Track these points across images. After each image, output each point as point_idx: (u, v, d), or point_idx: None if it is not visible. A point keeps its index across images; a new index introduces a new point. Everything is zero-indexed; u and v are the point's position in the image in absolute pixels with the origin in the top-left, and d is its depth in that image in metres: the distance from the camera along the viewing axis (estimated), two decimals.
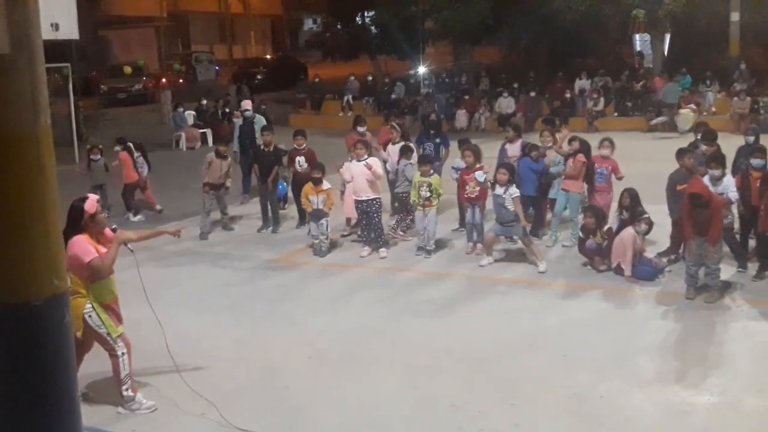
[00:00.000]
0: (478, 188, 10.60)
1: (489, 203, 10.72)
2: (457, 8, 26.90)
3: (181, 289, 9.77)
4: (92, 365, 6.67)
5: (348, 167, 11.08)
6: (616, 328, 8.11)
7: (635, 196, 9.74)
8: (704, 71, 24.54)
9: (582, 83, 25.60)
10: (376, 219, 10.95)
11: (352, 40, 33.61)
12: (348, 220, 12.02)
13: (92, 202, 6.26)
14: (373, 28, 34.26)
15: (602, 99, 23.92)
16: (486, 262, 10.35)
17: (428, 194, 10.56)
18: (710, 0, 24.30)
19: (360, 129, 13.16)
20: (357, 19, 34.77)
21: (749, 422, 6.08)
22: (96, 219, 6.25)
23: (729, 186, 9.31)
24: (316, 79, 31.48)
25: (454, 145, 12.57)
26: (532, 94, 24.74)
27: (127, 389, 6.47)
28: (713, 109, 23.04)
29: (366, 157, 10.95)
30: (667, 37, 26.97)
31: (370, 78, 30.23)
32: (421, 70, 29.61)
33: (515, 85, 26.08)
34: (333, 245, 11.38)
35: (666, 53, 27.03)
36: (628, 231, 9.47)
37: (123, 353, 6.39)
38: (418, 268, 10.41)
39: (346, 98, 28.38)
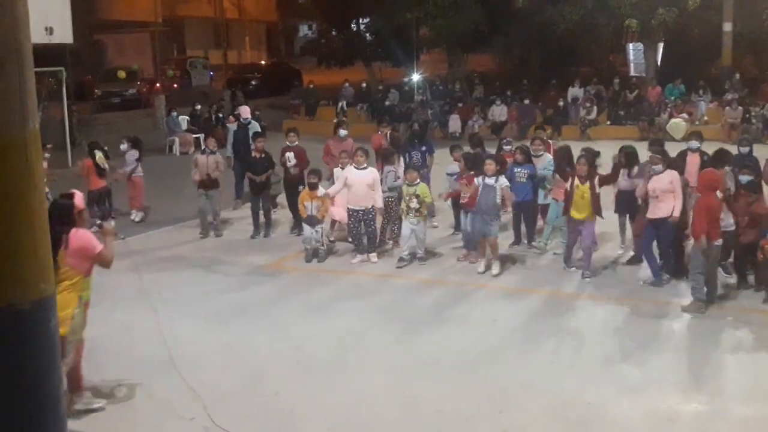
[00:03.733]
0: (467, 195, 10.60)
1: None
2: (451, 16, 27.02)
3: (171, 294, 9.75)
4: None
5: (341, 173, 11.10)
6: (603, 335, 8.14)
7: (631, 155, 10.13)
8: (697, 80, 24.67)
9: (575, 91, 25.69)
10: (372, 227, 10.96)
11: (347, 46, 33.69)
12: (332, 223, 11.96)
13: (80, 197, 6.36)
14: (367, 34, 34.37)
15: (595, 107, 24.02)
16: (483, 269, 10.37)
17: (417, 206, 10.56)
18: (703, 10, 24.43)
19: (342, 133, 13.29)
20: (352, 25, 34.87)
21: (735, 429, 6.13)
22: (82, 215, 6.36)
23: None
24: (311, 85, 31.49)
25: (440, 152, 12.62)
26: (525, 101, 24.82)
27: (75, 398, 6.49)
28: (705, 118, 23.15)
29: (365, 165, 10.95)
30: (660, 46, 27.06)
31: (364, 84, 30.28)
32: (415, 77, 29.70)
33: (508, 93, 26.17)
34: (332, 251, 11.44)
35: (659, 62, 27.15)
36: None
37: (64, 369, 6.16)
38: (409, 275, 10.43)
39: (340, 104, 28.40)
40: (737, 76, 24.57)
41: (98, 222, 6.68)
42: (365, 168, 10.88)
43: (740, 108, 21.93)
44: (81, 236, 6.21)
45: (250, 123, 15.04)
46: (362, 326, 8.51)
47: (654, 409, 6.46)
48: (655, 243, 9.56)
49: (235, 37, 51.31)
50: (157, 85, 33.02)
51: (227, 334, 8.39)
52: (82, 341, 6.48)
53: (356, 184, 10.77)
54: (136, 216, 13.78)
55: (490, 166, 10.21)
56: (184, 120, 24.13)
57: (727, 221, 8.94)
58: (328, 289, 9.96)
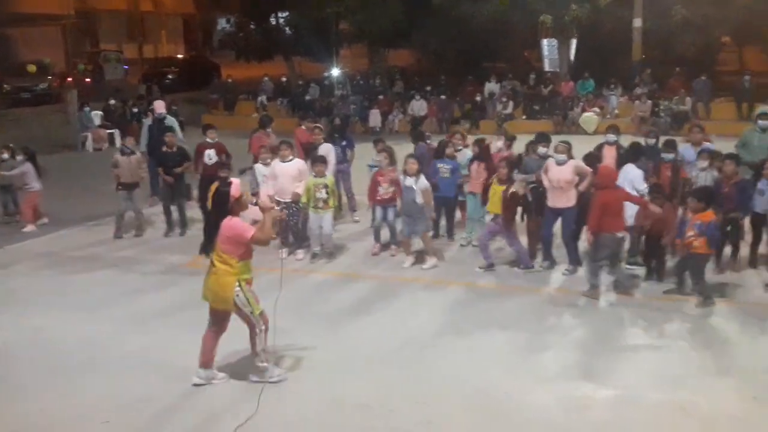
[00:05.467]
0: (392, 189, 10.68)
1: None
2: (370, 11, 27.05)
3: (87, 295, 9.50)
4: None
5: (264, 169, 11.00)
6: (523, 325, 8.33)
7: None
8: (608, 75, 25.41)
9: (491, 87, 26.13)
10: (295, 221, 10.90)
11: (266, 40, 33.35)
12: (255, 221, 11.78)
13: (236, 186, 6.65)
14: (287, 29, 34.08)
15: (511, 102, 24.49)
16: (408, 263, 10.47)
17: (325, 196, 10.55)
18: (614, 6, 25.17)
19: (268, 129, 13.27)
20: (271, 19, 34.50)
21: (648, 415, 6.35)
22: (240, 201, 6.74)
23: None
24: (229, 80, 31.09)
25: (360, 147, 12.64)
26: (443, 97, 25.12)
27: (262, 361, 6.91)
28: (616, 111, 23.89)
29: (291, 158, 10.87)
30: (574, 42, 27.74)
31: (284, 79, 30.06)
32: (336, 71, 29.66)
33: (428, 88, 26.42)
34: None
35: (572, 58, 27.83)
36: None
37: (261, 330, 6.84)
38: (328, 270, 10.43)
39: (260, 99, 28.16)
40: (647, 70, 25.40)
41: (255, 201, 7.05)
42: (291, 160, 10.83)
43: (649, 102, 22.72)
44: (233, 225, 6.60)
45: (165, 118, 14.72)
46: (282, 322, 8.38)
47: (569, 397, 6.64)
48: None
49: (150, 30, 50.15)
50: (69, 79, 32.03)
51: (147, 335, 8.22)
52: (262, 313, 6.89)
53: (282, 176, 10.73)
54: (28, 228, 12.82)
55: (412, 165, 10.30)
56: (97, 115, 23.48)
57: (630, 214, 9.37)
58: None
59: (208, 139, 12.48)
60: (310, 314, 8.75)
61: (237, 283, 6.67)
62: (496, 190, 9.89)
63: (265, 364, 6.93)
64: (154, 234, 12.48)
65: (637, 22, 25.56)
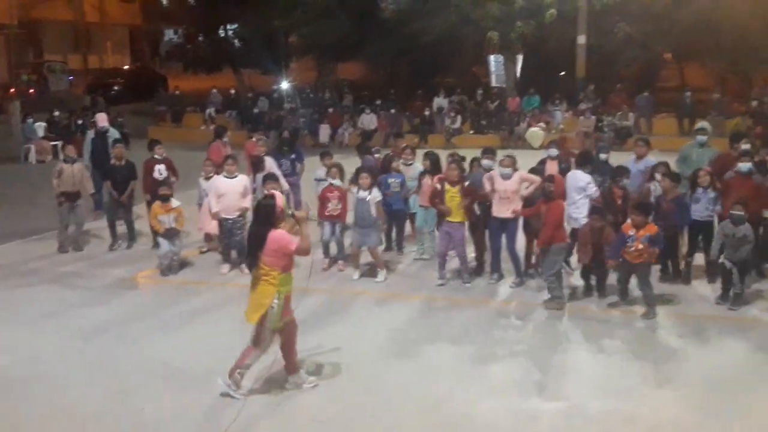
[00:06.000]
0: (340, 206, 10.69)
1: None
2: (319, 25, 27.08)
3: (29, 311, 9.28)
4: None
5: (208, 184, 10.91)
6: (473, 338, 8.40)
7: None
8: (554, 91, 25.87)
9: (440, 101, 26.37)
10: (240, 236, 10.81)
11: (215, 52, 33.14)
12: (207, 235, 11.73)
13: (280, 198, 6.85)
14: (236, 41, 33.92)
15: (459, 117, 24.74)
16: (357, 276, 10.50)
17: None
18: (559, 23, 25.63)
19: (225, 139, 13.29)
20: (220, 31, 34.31)
21: (594, 425, 6.45)
22: (283, 214, 6.84)
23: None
24: (177, 91, 30.77)
25: (310, 160, 12.64)
26: (393, 111, 25.27)
27: (240, 374, 6.89)
28: (561, 126, 24.33)
29: (236, 174, 10.78)
30: (520, 58, 28.21)
31: (233, 91, 29.89)
32: (285, 84, 29.60)
33: (377, 102, 26.54)
34: (186, 263, 11.22)
35: (518, 74, 28.26)
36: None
37: (261, 352, 6.89)
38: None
39: (208, 111, 27.93)
40: (590, 86, 25.94)
41: (291, 211, 7.11)
42: (236, 176, 10.75)
43: (593, 117, 23.20)
44: (278, 238, 6.64)
45: (108, 131, 14.41)
46: (232, 337, 8.32)
47: (518, 409, 6.72)
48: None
49: (96, 41, 49.29)
50: (12, 90, 31.32)
51: (91, 351, 8.06)
52: (294, 324, 7.01)
53: (228, 193, 10.62)
54: None
55: (365, 180, 10.33)
56: (40, 127, 23.00)
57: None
58: (196, 301, 9.76)
59: (156, 155, 12.27)
60: None
61: (276, 295, 6.72)
62: (453, 194, 9.94)
63: (232, 387, 6.87)
64: (97, 248, 12.25)
65: (581, 39, 26.08)
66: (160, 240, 10.77)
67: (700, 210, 9.92)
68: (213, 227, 11.14)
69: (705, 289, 9.89)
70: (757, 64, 26.62)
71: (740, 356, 7.90)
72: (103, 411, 6.69)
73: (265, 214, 6.71)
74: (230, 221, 10.67)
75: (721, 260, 9.31)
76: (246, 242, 9.79)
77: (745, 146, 10.98)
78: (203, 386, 7.13)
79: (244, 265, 10.76)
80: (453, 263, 10.55)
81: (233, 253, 10.89)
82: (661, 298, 9.33)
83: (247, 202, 10.69)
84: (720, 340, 8.33)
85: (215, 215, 10.73)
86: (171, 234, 10.70)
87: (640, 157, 11.00)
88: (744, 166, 9.84)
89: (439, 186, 10.09)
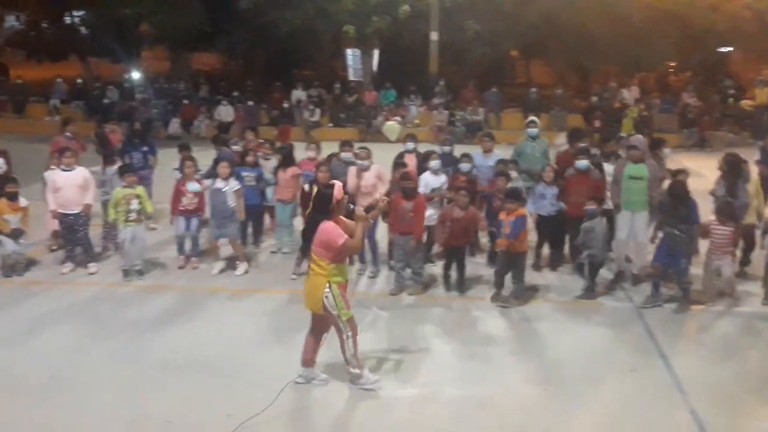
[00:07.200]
0: (196, 199, 10.49)
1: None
2: (171, 13, 26.30)
3: None
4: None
5: (49, 176, 10.41)
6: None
7: None
8: (409, 86, 26.42)
9: (298, 94, 26.34)
10: (83, 233, 10.39)
11: (60, 40, 31.52)
12: (55, 232, 11.16)
13: (339, 188, 6.62)
14: (83, 28, 32.41)
15: (318, 110, 24.81)
16: (218, 269, 10.38)
17: (138, 207, 10.10)
18: (413, 20, 26.18)
19: (68, 133, 12.69)
20: (66, 18, 32.66)
21: (449, 410, 6.68)
22: (341, 204, 6.62)
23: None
24: (18, 81, 29.07)
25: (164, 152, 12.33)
26: (250, 103, 24.99)
27: (354, 368, 6.90)
28: (416, 121, 24.92)
29: (74, 167, 10.30)
30: (376, 52, 28.58)
31: (79, 80, 28.56)
32: (136, 74, 28.58)
33: (235, 94, 26.15)
34: (33, 262, 10.70)
35: (375, 68, 28.63)
36: None
37: (348, 336, 6.80)
38: (132, 283, 10.06)
39: (53, 101, 26.59)
40: (441, 82, 26.65)
41: (351, 206, 6.86)
42: (74, 169, 10.31)
43: (446, 112, 23.90)
44: (327, 230, 6.50)
45: None
46: (79, 340, 8.04)
47: (374, 397, 6.87)
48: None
49: None
50: None
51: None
52: (351, 319, 6.82)
53: (65, 187, 10.17)
54: None
55: (224, 169, 10.24)
56: None
57: (430, 217, 9.98)
58: (40, 303, 9.30)
59: None
60: (111, 329, 8.41)
61: (327, 285, 6.63)
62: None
63: (357, 371, 6.93)
64: None
65: (434, 36, 26.72)
66: (4, 239, 10.19)
67: (546, 206, 10.48)
68: (55, 224, 10.63)
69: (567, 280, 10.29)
70: (596, 62, 28.29)
71: (586, 339, 8.37)
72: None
73: (321, 202, 6.60)
74: (71, 217, 10.22)
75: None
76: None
77: (582, 144, 11.61)
78: (49, 395, 6.85)
79: (92, 264, 10.41)
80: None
81: (77, 250, 10.46)
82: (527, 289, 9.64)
83: (90, 198, 10.28)
84: (570, 325, 8.77)
85: (54, 213, 10.25)
86: (16, 234, 10.15)
87: (487, 152, 11.45)
88: (582, 163, 10.45)
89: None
